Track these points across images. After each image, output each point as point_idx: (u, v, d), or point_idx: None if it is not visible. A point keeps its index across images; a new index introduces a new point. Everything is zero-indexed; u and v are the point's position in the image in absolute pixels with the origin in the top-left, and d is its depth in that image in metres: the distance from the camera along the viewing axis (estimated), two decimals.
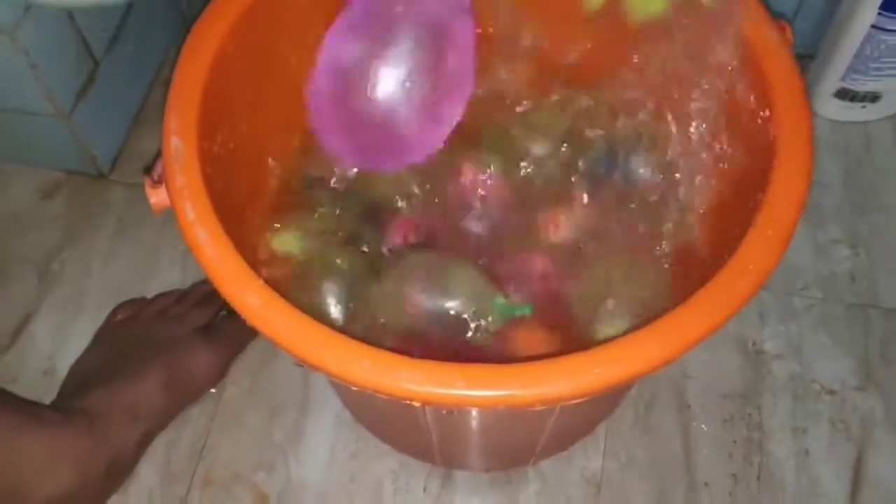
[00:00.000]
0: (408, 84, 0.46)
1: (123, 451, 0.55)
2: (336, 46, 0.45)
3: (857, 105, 0.73)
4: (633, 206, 0.50)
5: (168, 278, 0.68)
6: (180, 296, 0.64)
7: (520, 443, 0.54)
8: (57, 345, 0.65)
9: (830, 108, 0.74)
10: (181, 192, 0.40)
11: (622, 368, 0.36)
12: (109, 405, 0.55)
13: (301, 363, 0.37)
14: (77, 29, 0.65)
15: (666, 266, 0.48)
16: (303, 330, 0.36)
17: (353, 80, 0.46)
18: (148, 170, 0.46)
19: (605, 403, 0.57)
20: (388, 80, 0.46)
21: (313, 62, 0.52)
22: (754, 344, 0.65)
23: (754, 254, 0.38)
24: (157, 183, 0.42)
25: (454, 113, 0.47)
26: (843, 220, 0.70)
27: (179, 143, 0.41)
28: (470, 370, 0.35)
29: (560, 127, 0.53)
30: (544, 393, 0.35)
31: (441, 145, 0.48)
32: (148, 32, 0.74)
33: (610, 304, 0.46)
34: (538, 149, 0.52)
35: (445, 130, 0.47)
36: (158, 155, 0.42)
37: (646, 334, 0.37)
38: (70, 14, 0.64)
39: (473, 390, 0.35)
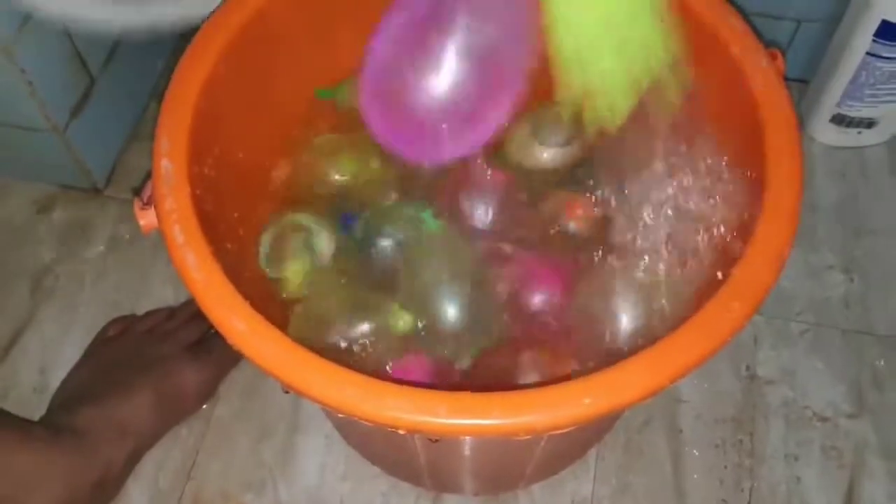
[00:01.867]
0: (457, 83, 0.45)
1: (111, 468, 0.55)
2: (384, 45, 0.44)
3: (853, 131, 0.73)
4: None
5: (160, 295, 0.67)
6: (171, 313, 0.64)
7: (509, 467, 0.53)
8: (49, 359, 0.65)
9: (826, 134, 0.74)
10: (170, 215, 0.40)
11: (611, 399, 0.36)
12: (98, 422, 0.55)
13: (287, 389, 0.36)
14: (73, 44, 0.65)
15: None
16: (288, 356, 0.36)
17: (402, 77, 0.45)
18: (138, 191, 0.46)
19: (596, 429, 0.57)
20: (438, 78, 0.45)
21: (306, 84, 0.53)
22: (748, 368, 0.64)
23: (743, 285, 0.38)
24: (146, 205, 0.42)
25: (500, 115, 0.47)
26: (838, 246, 0.70)
27: (169, 165, 0.41)
28: (455, 398, 0.35)
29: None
30: (531, 422, 0.35)
31: (484, 143, 0.48)
32: (144, 48, 0.74)
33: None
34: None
35: (490, 130, 0.47)
36: (148, 176, 0.42)
37: (635, 364, 0.37)
38: (66, 29, 0.64)
39: (458, 419, 0.34)
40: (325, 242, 0.50)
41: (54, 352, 0.65)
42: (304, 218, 0.50)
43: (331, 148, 0.54)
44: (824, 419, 0.62)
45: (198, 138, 0.43)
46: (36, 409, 0.61)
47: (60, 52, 0.64)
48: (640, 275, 0.46)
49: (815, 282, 0.68)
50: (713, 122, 0.46)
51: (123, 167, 0.74)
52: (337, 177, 0.53)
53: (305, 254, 0.49)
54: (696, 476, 0.60)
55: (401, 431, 0.35)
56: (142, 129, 0.76)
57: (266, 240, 0.50)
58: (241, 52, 0.46)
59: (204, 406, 0.62)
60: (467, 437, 0.43)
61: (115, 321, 0.64)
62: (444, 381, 0.47)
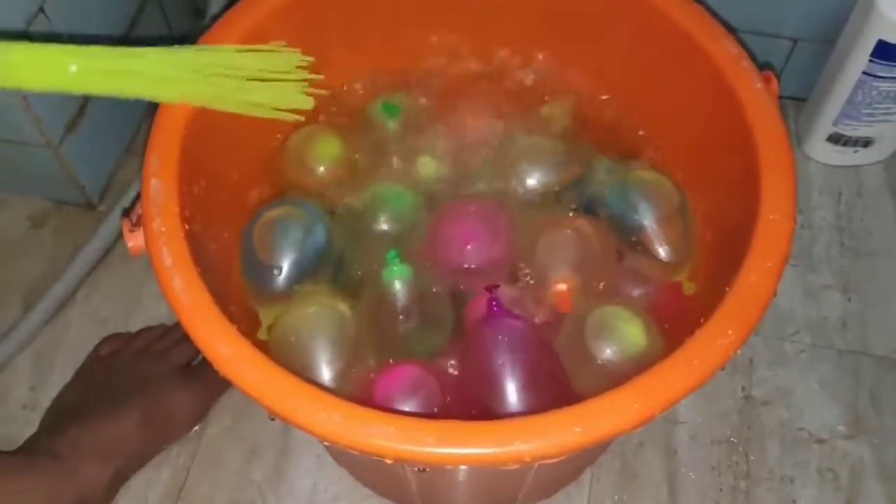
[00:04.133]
0: None
1: (94, 490, 0.54)
2: None
3: (850, 150, 0.73)
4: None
5: (152, 311, 0.67)
6: (164, 331, 0.63)
7: (501, 492, 0.53)
8: (40, 376, 0.64)
9: (823, 153, 0.74)
10: (158, 237, 0.39)
11: (602, 428, 0.35)
12: (81, 443, 0.54)
13: (272, 416, 0.36)
14: None
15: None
16: (273, 382, 0.36)
17: None
18: (127, 212, 0.46)
19: (589, 453, 0.56)
20: None
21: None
22: (744, 389, 0.64)
23: (734, 312, 0.37)
24: (135, 226, 0.42)
25: None
26: (835, 265, 0.69)
27: (159, 184, 0.41)
28: (442, 427, 0.34)
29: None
30: (520, 451, 0.35)
31: None
32: None
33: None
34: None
35: None
36: (138, 197, 0.42)
37: (626, 392, 0.36)
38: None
39: (445, 448, 0.34)
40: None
41: (45, 368, 0.65)
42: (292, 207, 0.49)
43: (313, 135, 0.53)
44: (821, 441, 0.62)
45: (189, 158, 0.43)
46: (26, 426, 0.60)
47: None
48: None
49: (812, 302, 0.68)
50: (706, 142, 0.46)
51: (118, 183, 0.74)
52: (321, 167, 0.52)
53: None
54: (691, 498, 0.59)
55: (387, 461, 0.35)
56: (137, 145, 0.75)
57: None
58: None
59: (195, 428, 0.61)
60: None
61: (107, 339, 0.64)
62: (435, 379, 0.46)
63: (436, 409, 0.44)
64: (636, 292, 0.48)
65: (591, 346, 0.44)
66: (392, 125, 0.54)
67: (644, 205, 0.47)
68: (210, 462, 0.60)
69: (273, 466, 0.60)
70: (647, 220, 0.47)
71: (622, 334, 0.45)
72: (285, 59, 0.48)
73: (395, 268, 0.45)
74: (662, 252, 0.47)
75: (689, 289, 0.47)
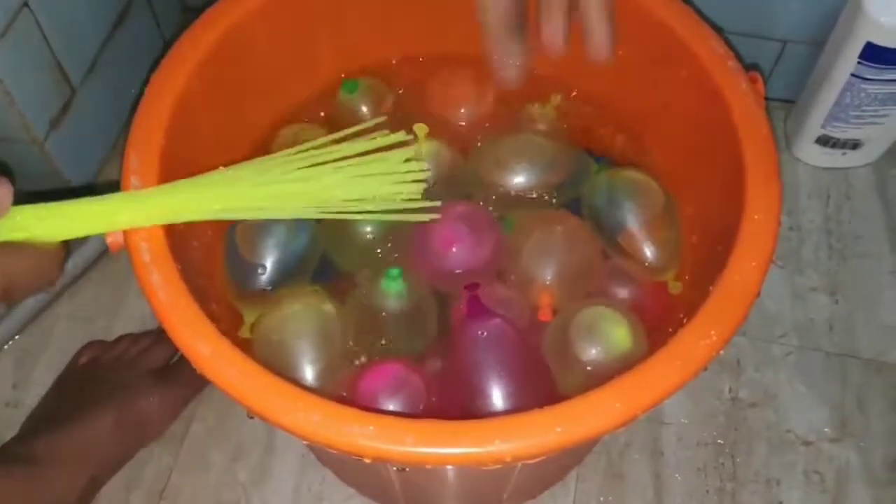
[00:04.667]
0: None
1: (67, 496, 0.54)
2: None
3: (838, 152, 0.72)
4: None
5: (136, 311, 0.66)
6: (139, 337, 0.63)
7: (485, 491, 0.53)
8: (22, 375, 0.64)
9: (811, 155, 0.74)
10: (137, 233, 0.39)
11: (583, 428, 0.35)
12: (55, 450, 0.54)
13: (251, 415, 0.35)
14: (53, 54, 0.64)
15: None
16: (252, 381, 0.35)
17: None
18: None
19: (574, 453, 0.56)
20: None
21: (283, 99, 0.52)
22: (731, 390, 0.64)
23: (717, 312, 0.37)
24: None
25: None
26: (823, 268, 0.69)
27: (139, 182, 0.40)
28: (422, 426, 0.34)
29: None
30: (500, 451, 0.34)
31: None
32: (128, 59, 0.73)
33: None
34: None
35: None
36: None
37: (607, 392, 0.36)
38: (46, 40, 0.63)
39: (424, 447, 0.34)
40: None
41: (28, 367, 0.64)
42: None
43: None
44: (807, 443, 0.61)
45: (169, 155, 0.42)
46: (7, 424, 0.60)
47: (41, 63, 0.64)
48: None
49: (800, 304, 0.68)
50: (691, 142, 0.45)
51: (104, 180, 0.73)
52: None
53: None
54: (677, 499, 0.59)
55: (366, 460, 0.34)
56: (123, 142, 0.74)
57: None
58: (216, 67, 0.45)
59: (170, 426, 0.60)
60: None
61: (86, 347, 0.64)
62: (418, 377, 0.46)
63: (421, 408, 0.44)
64: (622, 293, 0.48)
65: (577, 347, 0.44)
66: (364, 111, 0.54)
67: (629, 205, 0.47)
68: (194, 461, 0.60)
69: (257, 466, 0.60)
70: (633, 220, 0.46)
71: (607, 336, 0.44)
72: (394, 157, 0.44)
73: (392, 283, 0.45)
74: (648, 252, 0.46)
75: (674, 288, 0.47)
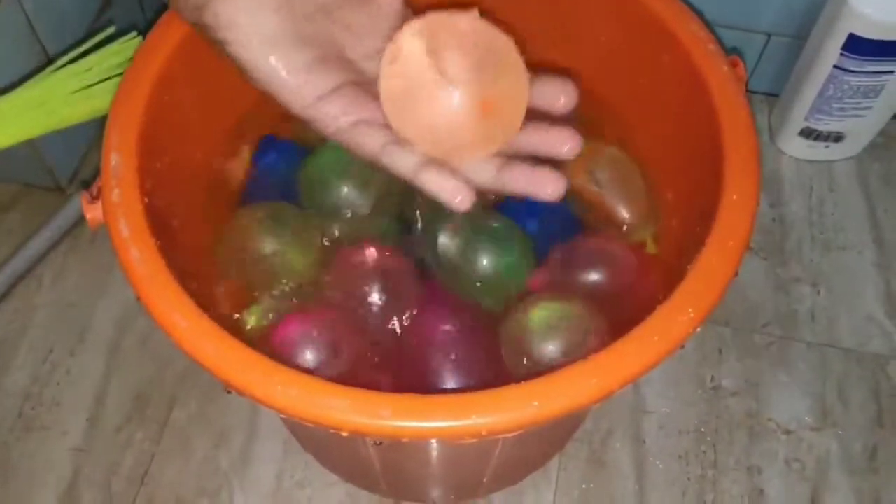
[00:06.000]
0: None
1: None
2: None
3: (821, 144, 0.73)
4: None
5: (120, 296, 0.66)
6: None
7: (466, 474, 0.53)
8: (2, 360, 0.63)
9: (795, 147, 0.74)
10: (116, 208, 0.39)
11: (559, 402, 0.35)
12: None
13: (227, 388, 0.35)
14: (37, 38, 0.64)
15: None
16: (230, 354, 0.35)
17: None
18: (87, 184, 0.45)
19: (555, 435, 0.56)
20: None
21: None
22: (712, 379, 0.64)
23: (695, 290, 0.37)
24: (94, 199, 0.41)
25: None
26: (806, 259, 0.70)
27: (118, 158, 0.40)
28: (399, 400, 0.34)
29: None
30: (476, 425, 0.34)
31: None
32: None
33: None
34: None
35: None
36: (99, 172, 0.41)
37: (584, 367, 0.36)
38: (31, 25, 0.63)
39: (401, 421, 0.34)
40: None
41: (9, 353, 0.64)
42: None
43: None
44: (788, 432, 0.62)
45: (150, 132, 0.42)
46: None
47: (24, 48, 0.63)
48: None
49: (782, 294, 0.68)
50: (672, 125, 0.46)
51: (88, 167, 0.73)
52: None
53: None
54: (658, 487, 0.59)
55: (343, 434, 0.34)
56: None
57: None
58: (197, 48, 0.45)
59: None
60: (416, 441, 0.42)
61: None
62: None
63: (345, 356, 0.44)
64: (594, 276, 0.48)
65: (535, 347, 0.44)
66: None
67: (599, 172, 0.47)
68: (175, 447, 0.60)
69: (239, 452, 0.60)
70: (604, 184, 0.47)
71: (566, 332, 0.44)
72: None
73: None
74: (624, 211, 0.47)
75: (652, 248, 0.47)
